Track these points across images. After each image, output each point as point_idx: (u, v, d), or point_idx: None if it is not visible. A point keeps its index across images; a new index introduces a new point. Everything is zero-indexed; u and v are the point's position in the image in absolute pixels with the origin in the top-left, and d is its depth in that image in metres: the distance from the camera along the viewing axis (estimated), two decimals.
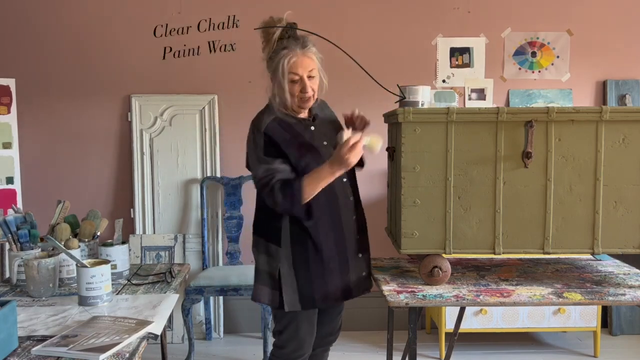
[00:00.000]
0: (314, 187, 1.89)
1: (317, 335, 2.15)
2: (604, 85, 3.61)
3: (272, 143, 1.94)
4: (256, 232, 2.07)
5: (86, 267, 1.77)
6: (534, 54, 3.59)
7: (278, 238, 1.99)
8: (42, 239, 2.10)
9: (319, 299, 2.01)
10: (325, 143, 2.01)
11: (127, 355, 1.40)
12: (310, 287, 1.99)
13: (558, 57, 3.59)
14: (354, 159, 1.84)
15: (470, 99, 3.60)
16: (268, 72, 1.98)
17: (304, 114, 2.04)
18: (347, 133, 1.86)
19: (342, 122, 2.09)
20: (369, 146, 1.87)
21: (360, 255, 2.07)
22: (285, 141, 1.95)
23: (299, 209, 1.91)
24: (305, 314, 2.02)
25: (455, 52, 3.58)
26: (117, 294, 1.91)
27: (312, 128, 2.03)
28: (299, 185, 1.89)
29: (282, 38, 1.94)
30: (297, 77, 1.92)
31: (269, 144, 1.94)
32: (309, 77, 1.94)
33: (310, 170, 1.91)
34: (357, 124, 2.02)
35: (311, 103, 2.00)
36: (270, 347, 3.10)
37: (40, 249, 2.04)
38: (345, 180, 2.02)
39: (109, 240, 2.14)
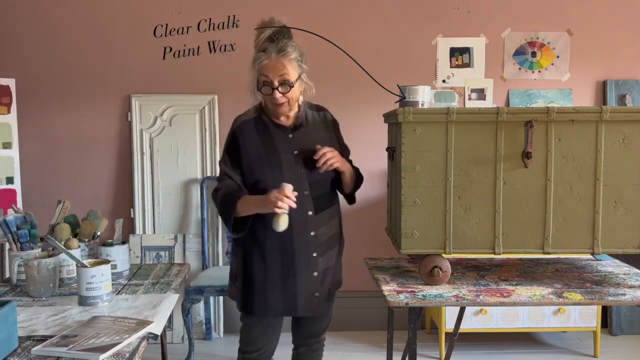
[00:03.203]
0: (243, 209, 1.89)
1: (299, 336, 2.14)
2: (604, 85, 3.61)
3: (235, 146, 1.97)
4: None
5: (86, 267, 1.77)
6: (534, 54, 3.59)
7: (237, 238, 2.02)
8: (42, 239, 2.10)
9: (258, 308, 1.97)
10: (295, 152, 1.96)
11: (127, 355, 1.40)
12: (251, 294, 1.98)
13: (558, 57, 3.59)
14: (277, 208, 1.79)
15: (470, 99, 3.60)
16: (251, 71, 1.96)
17: (286, 120, 2.00)
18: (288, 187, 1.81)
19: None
20: (276, 221, 1.80)
21: (315, 274, 1.98)
22: (250, 142, 1.95)
23: (226, 221, 1.94)
24: (256, 317, 2.01)
25: (455, 52, 3.57)
26: (117, 294, 1.91)
27: (290, 136, 1.99)
28: (230, 202, 1.91)
29: (272, 40, 1.90)
30: (267, 80, 1.89)
31: (232, 146, 1.98)
32: (282, 82, 1.88)
33: (258, 186, 1.92)
34: (321, 164, 1.90)
35: (286, 110, 1.95)
36: None
37: (40, 249, 2.04)
38: (306, 193, 1.94)
39: (109, 240, 2.14)
